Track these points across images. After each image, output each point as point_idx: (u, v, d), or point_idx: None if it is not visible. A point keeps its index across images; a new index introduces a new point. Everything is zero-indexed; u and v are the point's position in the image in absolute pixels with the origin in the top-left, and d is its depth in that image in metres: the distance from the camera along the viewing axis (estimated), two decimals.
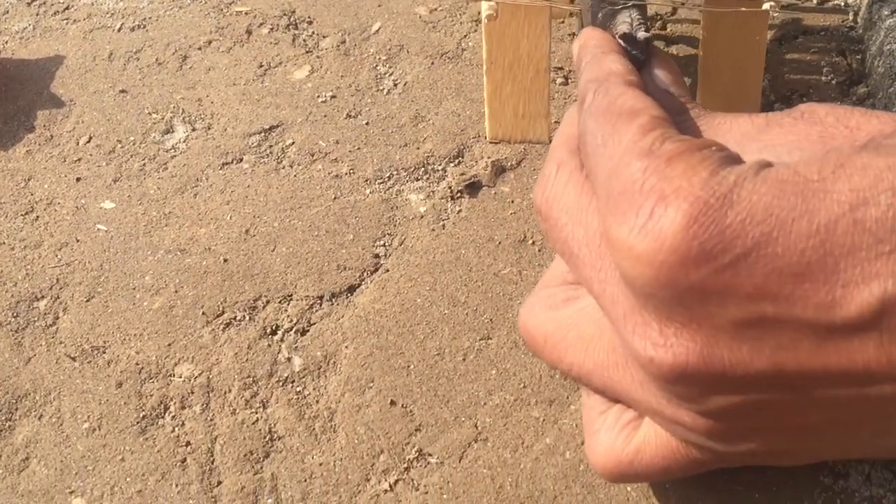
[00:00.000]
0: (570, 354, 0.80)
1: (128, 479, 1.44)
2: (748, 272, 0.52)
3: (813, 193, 0.51)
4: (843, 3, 1.98)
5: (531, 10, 1.57)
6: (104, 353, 1.61)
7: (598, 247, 0.68)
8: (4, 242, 1.76)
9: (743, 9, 1.49)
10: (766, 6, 1.46)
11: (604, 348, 0.75)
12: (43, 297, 1.68)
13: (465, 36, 2.07)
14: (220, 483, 1.42)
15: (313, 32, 2.15)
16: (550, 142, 1.84)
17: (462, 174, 1.82)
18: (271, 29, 2.17)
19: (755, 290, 0.52)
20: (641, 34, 1.60)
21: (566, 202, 0.76)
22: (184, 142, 1.97)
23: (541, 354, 0.80)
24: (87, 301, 1.68)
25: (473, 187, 1.83)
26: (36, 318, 1.65)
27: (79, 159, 1.92)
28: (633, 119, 0.71)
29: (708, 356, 0.54)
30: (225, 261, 1.82)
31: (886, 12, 1.79)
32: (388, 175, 1.90)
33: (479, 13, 2.08)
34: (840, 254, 0.49)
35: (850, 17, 1.96)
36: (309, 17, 2.18)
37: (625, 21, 1.61)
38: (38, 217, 1.81)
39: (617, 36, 1.60)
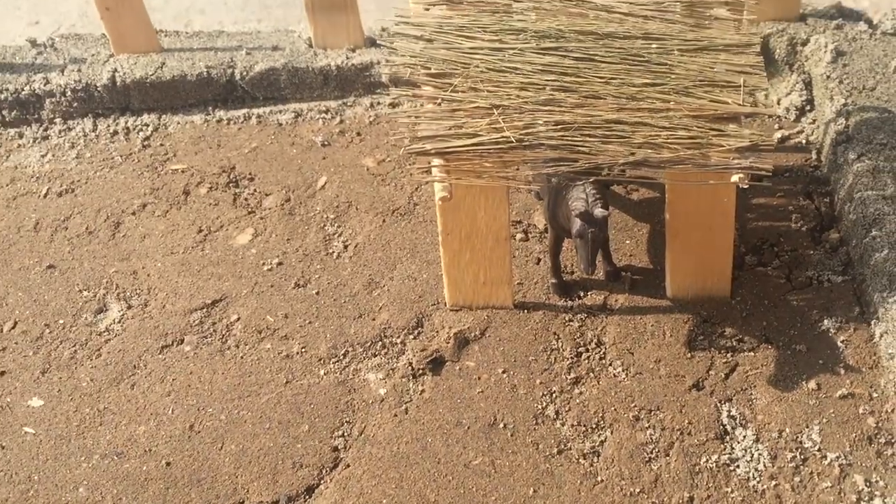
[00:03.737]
0: None
1: None
2: None
3: None
4: (804, 141, 1.93)
5: (487, 186, 1.47)
6: None
7: None
8: None
9: (711, 182, 1.41)
10: (734, 178, 1.37)
11: None
12: None
13: (416, 189, 1.97)
14: None
15: (255, 190, 2.04)
16: (514, 306, 1.74)
17: (423, 349, 1.70)
18: (210, 188, 2.05)
19: None
20: (599, 211, 1.51)
21: None
22: (118, 322, 1.82)
23: None
24: None
25: (436, 363, 1.71)
26: None
27: (3, 349, 1.76)
28: None
29: None
30: (167, 464, 1.66)
31: (853, 156, 1.73)
32: (342, 352, 1.76)
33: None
34: None
35: (814, 156, 1.90)
36: (250, 174, 2.07)
37: (579, 198, 1.52)
38: None
39: (574, 214, 1.51)
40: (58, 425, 1.64)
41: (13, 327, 1.79)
